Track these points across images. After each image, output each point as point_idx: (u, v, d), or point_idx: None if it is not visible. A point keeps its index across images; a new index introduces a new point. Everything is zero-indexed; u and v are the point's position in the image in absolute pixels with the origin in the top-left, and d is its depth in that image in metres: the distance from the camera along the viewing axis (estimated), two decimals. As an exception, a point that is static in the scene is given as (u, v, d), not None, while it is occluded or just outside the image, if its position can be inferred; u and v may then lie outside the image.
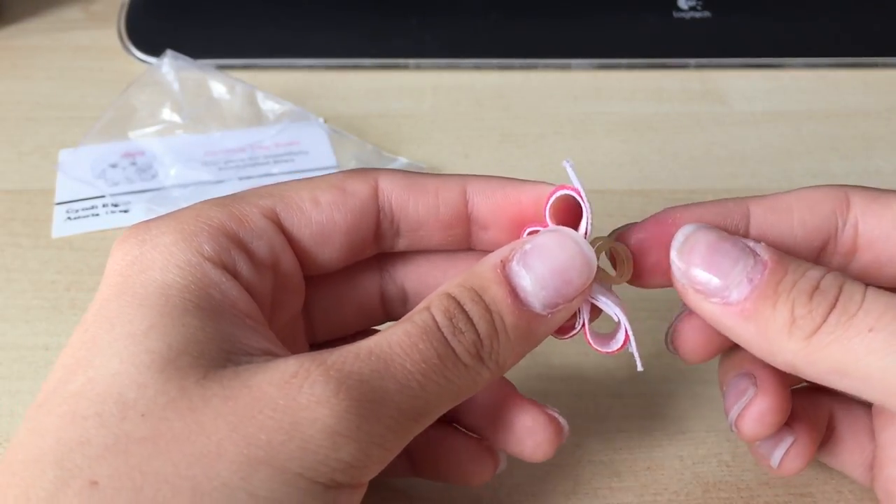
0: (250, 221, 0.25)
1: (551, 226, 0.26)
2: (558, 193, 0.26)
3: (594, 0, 0.54)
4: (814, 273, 0.24)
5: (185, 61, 0.46)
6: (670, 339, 0.28)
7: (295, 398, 0.21)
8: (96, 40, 0.52)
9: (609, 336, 0.27)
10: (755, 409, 0.27)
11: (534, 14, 0.53)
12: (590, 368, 0.36)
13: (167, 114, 0.45)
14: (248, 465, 0.21)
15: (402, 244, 0.28)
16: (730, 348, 0.28)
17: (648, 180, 0.44)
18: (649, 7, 0.53)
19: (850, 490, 0.32)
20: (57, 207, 0.42)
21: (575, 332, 0.27)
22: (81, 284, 0.39)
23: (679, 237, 0.25)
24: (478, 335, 0.24)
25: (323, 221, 0.26)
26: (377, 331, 0.30)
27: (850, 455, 0.30)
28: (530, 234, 0.27)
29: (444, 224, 0.27)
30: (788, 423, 0.28)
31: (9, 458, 0.22)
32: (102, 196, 0.42)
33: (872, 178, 0.45)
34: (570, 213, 0.26)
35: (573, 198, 0.26)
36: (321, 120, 0.46)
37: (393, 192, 0.27)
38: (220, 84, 0.46)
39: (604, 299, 0.26)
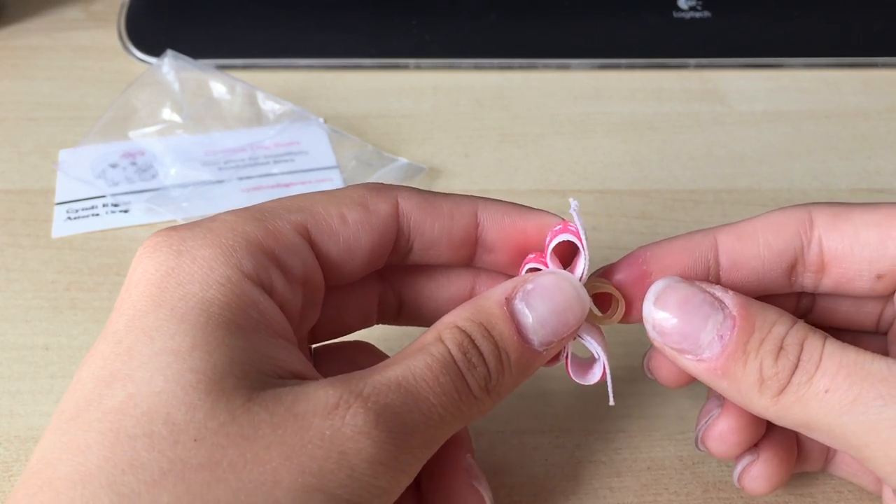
0: (285, 238, 0.25)
1: (551, 267, 0.27)
2: (560, 238, 0.27)
3: (594, 0, 0.54)
4: (779, 329, 0.25)
5: (185, 61, 0.46)
6: (647, 366, 0.30)
7: (339, 429, 0.22)
8: (96, 40, 0.52)
9: (587, 369, 0.28)
10: (716, 429, 0.29)
11: (534, 14, 0.53)
12: (590, 368, 0.36)
13: (167, 114, 0.45)
14: (303, 492, 0.22)
15: (411, 259, 0.28)
16: None
17: (648, 180, 0.44)
18: (649, 7, 0.53)
19: (849, 490, 0.32)
20: (57, 207, 0.42)
21: (558, 363, 0.28)
22: (81, 284, 0.39)
23: (651, 294, 0.26)
24: (488, 370, 0.25)
25: (350, 239, 0.26)
26: (365, 343, 0.31)
27: (856, 464, 0.30)
28: (529, 270, 0.28)
29: (455, 245, 0.28)
30: (760, 447, 0.29)
31: (46, 474, 0.22)
32: (102, 196, 0.42)
33: (872, 177, 0.45)
34: (567, 245, 0.27)
35: (571, 240, 0.27)
36: (321, 120, 0.46)
37: (412, 213, 0.27)
38: (220, 84, 0.46)
39: (588, 337, 0.27)
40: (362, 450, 0.22)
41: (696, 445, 0.30)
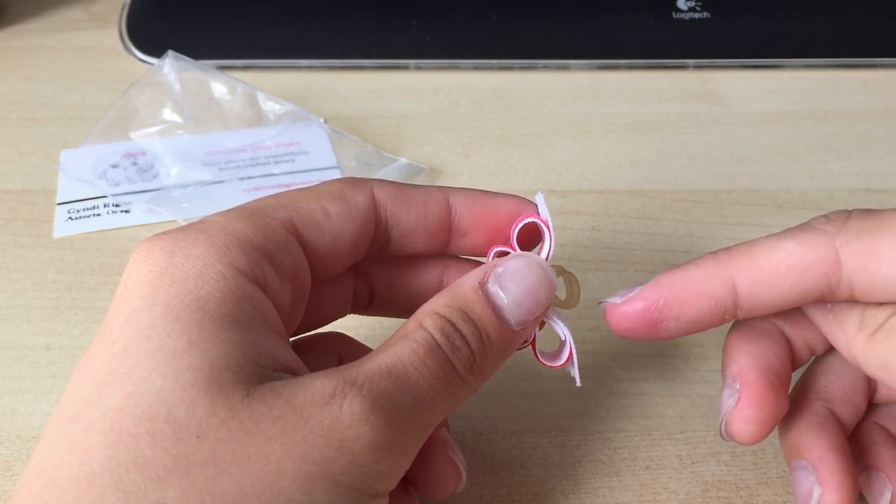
0: (275, 235, 0.26)
1: (518, 251, 0.28)
2: (525, 221, 0.29)
3: (594, 0, 0.54)
4: None
5: (186, 62, 0.46)
6: (724, 430, 0.29)
7: (338, 417, 0.23)
8: (98, 41, 0.52)
9: (554, 352, 0.30)
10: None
11: (534, 14, 0.53)
12: (590, 369, 0.36)
13: (168, 114, 0.45)
14: (307, 480, 0.22)
15: (389, 249, 0.29)
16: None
17: (648, 180, 0.44)
18: (649, 7, 0.53)
19: (848, 489, 0.32)
20: (58, 207, 0.42)
21: (525, 346, 0.29)
22: (83, 284, 0.39)
23: None
24: (471, 351, 0.26)
25: (335, 231, 0.27)
26: (342, 333, 0.31)
27: None
28: (497, 254, 0.29)
29: (431, 231, 0.29)
30: (887, 474, 0.30)
31: (49, 475, 0.22)
32: (104, 196, 0.43)
33: (871, 178, 0.45)
34: (532, 233, 0.29)
35: (536, 222, 0.29)
36: (322, 120, 0.46)
37: (388, 202, 0.28)
38: (221, 84, 0.47)
39: (556, 319, 0.29)
40: (362, 436, 0.23)
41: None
